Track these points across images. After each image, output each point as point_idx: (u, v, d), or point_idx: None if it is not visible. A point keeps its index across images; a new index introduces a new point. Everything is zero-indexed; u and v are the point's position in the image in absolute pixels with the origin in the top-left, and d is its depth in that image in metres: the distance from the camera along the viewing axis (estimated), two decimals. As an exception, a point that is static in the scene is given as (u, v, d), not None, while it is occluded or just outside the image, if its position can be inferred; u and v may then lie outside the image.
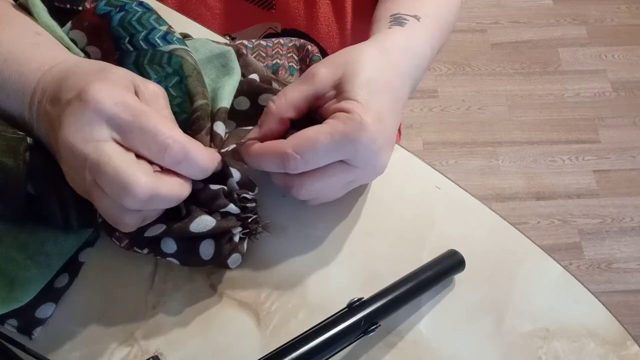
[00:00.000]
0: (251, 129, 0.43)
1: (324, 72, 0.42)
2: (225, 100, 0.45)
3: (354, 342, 0.39)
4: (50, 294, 0.42)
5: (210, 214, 0.40)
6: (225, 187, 0.41)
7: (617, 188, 1.50)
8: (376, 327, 0.39)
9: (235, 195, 0.41)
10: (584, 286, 0.45)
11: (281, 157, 0.40)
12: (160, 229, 0.39)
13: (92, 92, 0.35)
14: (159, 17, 0.46)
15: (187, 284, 0.43)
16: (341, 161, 0.41)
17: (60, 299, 0.42)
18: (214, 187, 0.40)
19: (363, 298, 0.40)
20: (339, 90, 0.42)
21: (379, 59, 0.44)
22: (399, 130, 0.82)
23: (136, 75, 0.39)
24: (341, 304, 0.40)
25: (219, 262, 0.42)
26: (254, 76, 0.47)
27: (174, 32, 0.45)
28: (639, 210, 1.47)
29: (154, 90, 0.39)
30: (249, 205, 0.42)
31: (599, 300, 0.44)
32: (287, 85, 0.47)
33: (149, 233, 0.39)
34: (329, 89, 0.42)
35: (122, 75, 0.38)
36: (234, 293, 0.43)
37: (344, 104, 0.40)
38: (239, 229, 0.42)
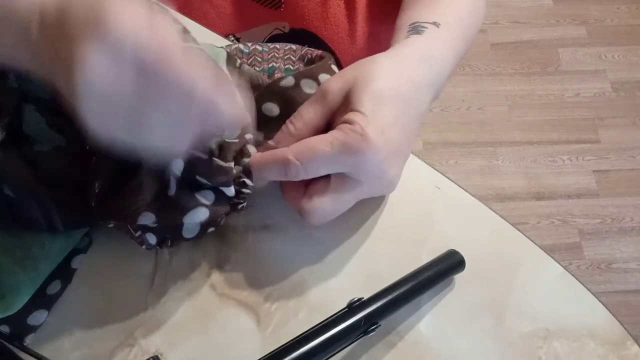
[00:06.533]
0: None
1: (333, 88, 0.42)
2: None
3: (354, 342, 0.39)
4: (42, 300, 0.41)
5: (205, 189, 0.39)
6: (234, 166, 0.40)
7: (617, 188, 1.50)
8: (376, 327, 0.39)
9: (237, 179, 0.41)
10: (584, 286, 0.45)
11: (282, 163, 0.40)
12: (150, 219, 0.39)
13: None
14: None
15: (187, 284, 0.43)
16: (346, 177, 0.41)
17: (52, 306, 0.42)
18: (224, 163, 0.40)
19: (363, 298, 0.40)
20: (347, 102, 0.42)
21: (392, 69, 0.43)
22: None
23: None
24: (341, 304, 0.40)
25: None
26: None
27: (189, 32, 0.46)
28: (639, 210, 1.47)
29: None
30: (244, 190, 0.42)
31: (599, 300, 0.44)
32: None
33: (141, 221, 0.39)
34: (340, 104, 0.43)
35: None
36: (234, 293, 0.43)
37: (348, 116, 0.41)
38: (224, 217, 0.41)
